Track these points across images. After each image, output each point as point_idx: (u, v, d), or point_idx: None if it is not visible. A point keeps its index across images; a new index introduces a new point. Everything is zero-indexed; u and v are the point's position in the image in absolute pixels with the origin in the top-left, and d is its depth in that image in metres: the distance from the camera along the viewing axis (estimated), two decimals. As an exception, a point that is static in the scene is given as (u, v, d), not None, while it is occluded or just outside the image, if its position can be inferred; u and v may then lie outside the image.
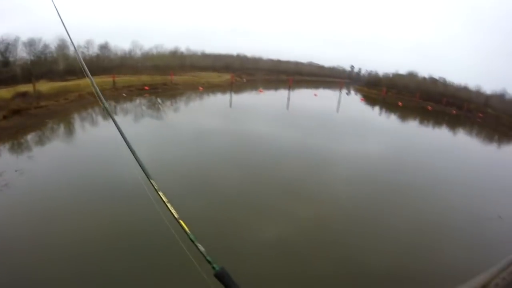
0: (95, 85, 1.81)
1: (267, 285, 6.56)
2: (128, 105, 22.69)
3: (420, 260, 8.02)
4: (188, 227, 1.20)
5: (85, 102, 20.10)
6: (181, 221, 1.22)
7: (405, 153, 19.09)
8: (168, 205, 1.27)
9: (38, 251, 6.65)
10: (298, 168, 13.56)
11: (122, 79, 26.46)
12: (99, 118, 17.97)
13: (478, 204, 11.81)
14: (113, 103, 21.60)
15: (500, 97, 43.28)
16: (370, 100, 43.26)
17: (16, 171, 10.17)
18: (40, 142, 13.76)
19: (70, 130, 15.89)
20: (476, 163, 19.71)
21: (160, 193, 1.31)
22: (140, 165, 1.46)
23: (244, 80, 44.15)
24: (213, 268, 1.07)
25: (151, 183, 1.36)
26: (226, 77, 39.56)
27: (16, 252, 6.56)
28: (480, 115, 39.64)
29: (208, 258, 1.12)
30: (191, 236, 1.17)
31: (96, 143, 14.01)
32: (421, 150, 20.56)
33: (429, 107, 40.70)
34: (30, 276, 6.07)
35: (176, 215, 1.25)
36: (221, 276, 1.05)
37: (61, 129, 15.98)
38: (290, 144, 17.11)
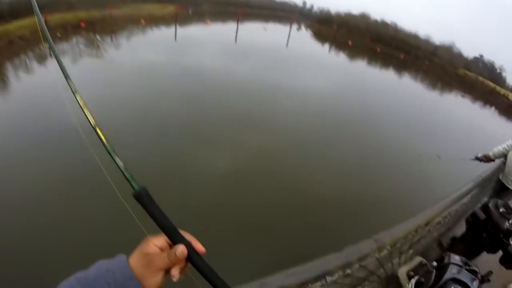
0: (42, 22, 1.31)
1: (214, 212, 6.76)
2: (63, 46, 19.84)
3: (361, 193, 8.28)
4: (105, 137, 0.93)
5: (16, 48, 17.48)
6: (97, 129, 0.95)
7: (351, 91, 19.38)
8: (85, 110, 1.00)
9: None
10: (247, 102, 13.31)
11: (55, 18, 22.81)
12: (34, 64, 15.87)
13: (419, 144, 12.25)
14: (46, 45, 18.78)
15: (447, 49, 44.65)
16: (320, 37, 42.29)
17: None
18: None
19: (3, 82, 13.70)
20: (419, 107, 20.33)
21: (77, 96, 1.03)
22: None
23: (190, 12, 40.81)
24: (132, 187, 0.82)
25: (68, 84, 1.07)
26: (170, 9, 36.35)
27: None
28: (427, 63, 40.50)
29: (127, 175, 0.84)
30: (108, 147, 0.91)
31: (32, 90, 12.46)
32: (367, 89, 21.05)
33: (378, 49, 40.74)
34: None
35: (92, 122, 0.97)
36: (140, 196, 0.79)
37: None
38: (238, 78, 16.61)
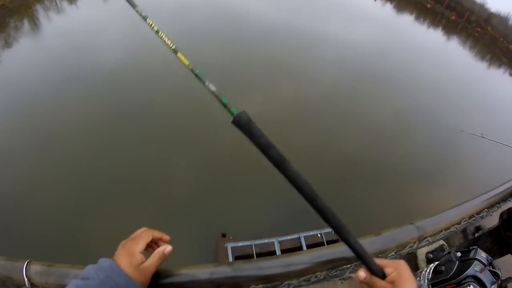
0: None
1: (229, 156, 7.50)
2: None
3: (385, 153, 8.38)
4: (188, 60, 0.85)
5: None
6: (179, 54, 0.87)
7: (392, 47, 18.29)
8: (162, 35, 0.92)
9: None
10: (281, 48, 12.80)
11: None
12: (63, 4, 15.63)
13: (459, 117, 11.61)
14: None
15: (503, 20, 40.61)
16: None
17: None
18: (7, 44, 11.88)
19: (35, 23, 13.76)
20: (463, 76, 19.01)
21: (149, 21, 0.90)
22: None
23: None
24: (230, 112, 0.75)
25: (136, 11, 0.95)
26: None
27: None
28: (479, 29, 37.21)
29: (223, 99, 0.77)
30: (196, 71, 0.82)
31: (67, 28, 12.67)
32: (410, 47, 19.75)
33: (428, 5, 37.61)
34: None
35: (172, 45, 0.89)
36: (240, 122, 0.71)
37: (26, 24, 13.75)
38: (276, 22, 15.70)
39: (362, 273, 0.84)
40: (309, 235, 5.93)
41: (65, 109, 7.99)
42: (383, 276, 0.85)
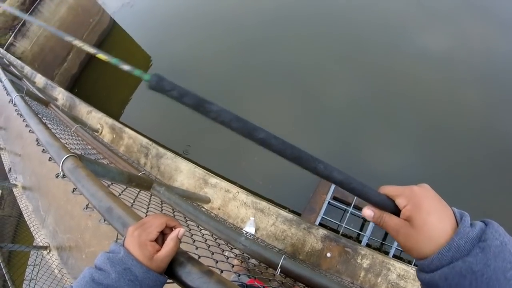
0: None
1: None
2: None
3: None
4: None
5: None
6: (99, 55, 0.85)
7: None
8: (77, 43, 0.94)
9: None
10: None
11: None
12: None
13: None
14: None
15: None
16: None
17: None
18: None
19: None
20: None
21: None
22: None
23: None
24: (145, 80, 0.71)
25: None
26: None
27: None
28: None
29: (136, 72, 0.74)
30: (113, 60, 0.80)
31: None
32: None
33: None
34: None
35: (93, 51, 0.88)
36: (155, 85, 0.68)
37: None
38: None
39: (368, 211, 0.68)
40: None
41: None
42: (395, 210, 0.65)
